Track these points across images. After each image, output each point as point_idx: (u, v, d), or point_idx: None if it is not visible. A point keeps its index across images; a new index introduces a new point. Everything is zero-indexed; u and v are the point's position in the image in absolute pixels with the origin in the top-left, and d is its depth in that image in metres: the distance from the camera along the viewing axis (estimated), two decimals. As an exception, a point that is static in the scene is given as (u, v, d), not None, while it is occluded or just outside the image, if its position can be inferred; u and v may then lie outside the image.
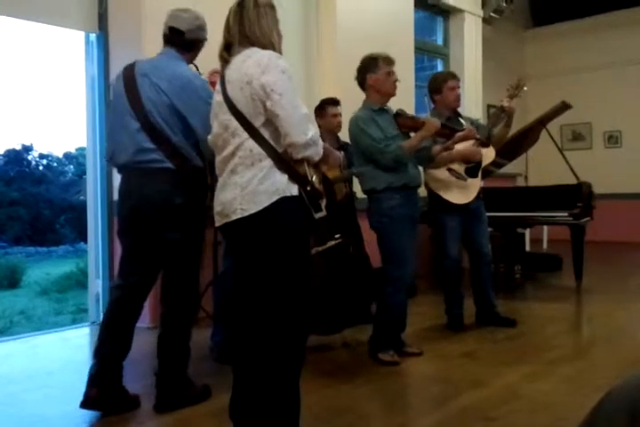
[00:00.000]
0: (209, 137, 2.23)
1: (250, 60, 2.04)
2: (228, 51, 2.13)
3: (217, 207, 2.13)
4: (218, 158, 2.15)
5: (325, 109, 4.04)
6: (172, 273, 2.69)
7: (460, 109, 4.17)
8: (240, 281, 2.13)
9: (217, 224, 2.14)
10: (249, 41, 2.10)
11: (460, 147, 3.77)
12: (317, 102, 4.22)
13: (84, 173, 5.51)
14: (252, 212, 2.00)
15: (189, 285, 2.73)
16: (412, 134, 3.39)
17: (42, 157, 23.88)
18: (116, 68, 4.19)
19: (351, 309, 3.60)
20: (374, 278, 3.66)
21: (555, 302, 5.06)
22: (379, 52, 3.41)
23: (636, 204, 9.04)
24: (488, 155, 4.00)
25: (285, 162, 2.03)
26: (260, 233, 2.02)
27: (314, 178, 2.08)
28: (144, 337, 3.06)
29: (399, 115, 3.39)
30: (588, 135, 9.77)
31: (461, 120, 4.06)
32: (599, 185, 5.98)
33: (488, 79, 7.51)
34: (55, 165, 24.27)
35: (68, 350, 3.80)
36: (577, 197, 5.33)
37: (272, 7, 2.18)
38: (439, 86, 3.98)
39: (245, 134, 2.03)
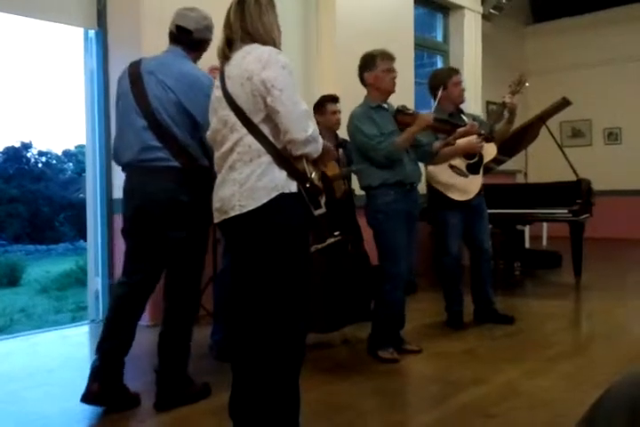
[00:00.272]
0: (207, 133, 2.22)
1: (250, 56, 2.03)
2: (229, 47, 2.12)
3: (215, 204, 2.12)
4: (216, 154, 2.14)
5: (325, 106, 4.03)
6: (175, 271, 2.69)
7: (460, 106, 4.16)
8: (239, 278, 2.12)
9: (215, 221, 2.14)
10: (251, 38, 2.09)
11: (461, 141, 3.76)
12: (316, 99, 4.21)
13: (84, 171, 5.50)
14: (251, 208, 1.99)
15: (193, 283, 2.74)
16: None
17: (41, 154, 23.88)
18: (115, 65, 4.21)
19: (350, 306, 3.60)
20: (373, 276, 3.66)
21: (554, 298, 5.07)
22: (378, 49, 3.40)
23: (635, 200, 9.05)
24: (489, 151, 3.99)
25: (284, 158, 2.02)
26: (259, 230, 2.02)
27: (313, 175, 2.08)
28: (144, 335, 3.06)
29: (399, 111, 3.38)
30: (588, 132, 9.77)
31: (463, 116, 4.06)
32: (599, 182, 5.98)
33: (488, 76, 7.50)
34: (54, 162, 24.27)
35: (68, 348, 3.80)
36: (576, 194, 5.33)
37: (272, 3, 2.18)
38: (443, 82, 3.96)
39: (244, 130, 2.02)
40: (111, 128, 4.23)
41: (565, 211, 5.30)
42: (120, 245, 4.20)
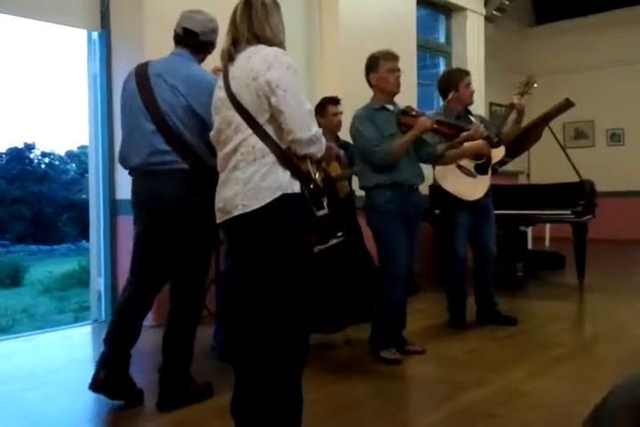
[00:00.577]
0: (211, 133, 2.22)
1: (256, 57, 2.03)
2: (235, 47, 2.12)
3: (218, 204, 2.12)
4: (219, 155, 2.14)
5: (326, 108, 4.04)
6: (183, 271, 2.70)
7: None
8: (241, 278, 2.12)
9: (218, 221, 2.14)
10: (258, 40, 2.09)
11: (469, 143, 3.76)
12: (318, 101, 4.21)
13: (86, 172, 5.51)
14: (254, 208, 1.99)
15: (198, 283, 2.74)
16: None
17: (44, 155, 23.95)
18: (119, 67, 4.22)
19: (353, 307, 3.60)
20: (375, 276, 3.66)
21: (557, 299, 5.06)
22: (382, 50, 3.40)
23: (638, 201, 9.04)
24: (497, 152, 3.99)
25: (289, 159, 2.03)
26: (262, 229, 2.02)
27: (316, 175, 2.08)
28: (147, 335, 3.06)
29: (403, 112, 3.36)
30: (591, 133, 9.76)
31: (472, 117, 4.06)
32: (601, 183, 5.97)
33: (490, 77, 7.50)
34: (57, 163, 24.34)
35: (71, 349, 3.81)
36: (579, 195, 5.33)
37: (277, 5, 2.18)
38: (455, 83, 3.96)
39: (249, 130, 2.03)
40: (114, 129, 4.24)
41: (568, 212, 5.29)
42: (123, 246, 4.22)
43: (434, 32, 7.47)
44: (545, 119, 5.51)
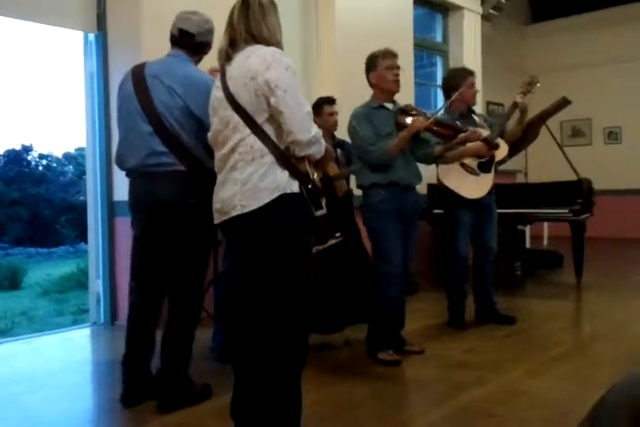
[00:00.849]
0: (208, 134, 2.22)
1: (253, 57, 2.04)
2: (232, 48, 2.12)
3: (216, 204, 2.12)
4: (217, 155, 2.14)
5: (322, 108, 4.04)
6: (180, 273, 2.69)
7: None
8: (240, 279, 2.12)
9: (216, 221, 2.14)
10: (255, 40, 2.10)
11: (471, 144, 3.76)
12: (315, 101, 4.21)
13: (84, 174, 5.50)
14: (253, 208, 1.99)
15: (196, 285, 2.74)
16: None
17: (41, 157, 23.93)
18: (115, 68, 4.21)
19: (352, 307, 3.60)
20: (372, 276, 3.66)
21: (555, 298, 5.07)
22: (380, 49, 3.39)
23: (636, 200, 9.05)
24: (500, 151, 3.98)
25: (287, 159, 2.03)
26: (260, 230, 2.02)
27: (315, 175, 2.08)
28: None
29: (402, 112, 3.34)
30: (588, 131, 9.77)
31: (475, 117, 4.06)
32: (599, 181, 5.98)
33: (487, 76, 7.50)
34: (55, 165, 24.32)
35: (70, 351, 3.80)
36: (577, 194, 5.33)
37: (274, 5, 2.18)
38: (458, 83, 3.96)
39: (247, 130, 2.02)
40: (112, 131, 4.24)
41: (566, 210, 5.30)
42: (121, 248, 4.21)
43: (431, 31, 7.47)
44: (542, 118, 5.52)
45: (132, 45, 4.17)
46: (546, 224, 8.28)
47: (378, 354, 3.29)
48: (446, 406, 2.64)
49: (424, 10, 7.22)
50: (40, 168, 23.70)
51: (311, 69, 5.52)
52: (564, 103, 5.39)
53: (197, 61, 2.81)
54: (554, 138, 5.77)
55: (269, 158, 2.01)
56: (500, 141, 3.95)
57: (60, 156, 24.60)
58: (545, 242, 8.40)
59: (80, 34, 4.40)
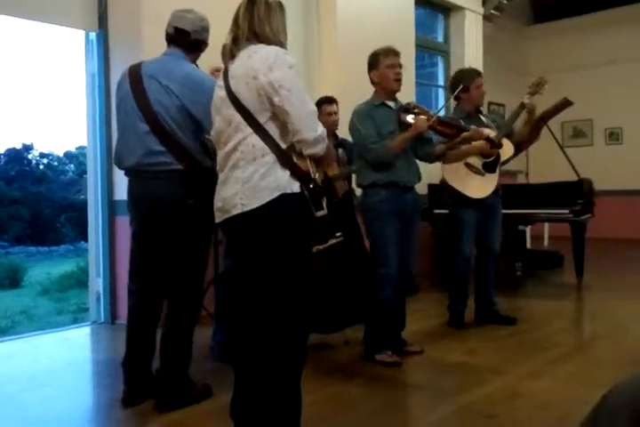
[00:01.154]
0: (211, 132, 2.22)
1: (256, 56, 2.03)
2: (235, 45, 2.12)
3: (217, 203, 2.12)
4: (219, 154, 2.14)
5: (321, 108, 4.04)
6: (179, 272, 2.69)
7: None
8: (240, 278, 2.12)
9: (217, 220, 2.14)
10: (258, 39, 2.09)
11: (475, 143, 3.76)
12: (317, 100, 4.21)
13: (85, 172, 5.51)
14: (253, 207, 1.99)
15: (195, 284, 2.74)
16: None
17: (42, 155, 23.93)
18: (116, 67, 4.21)
19: (352, 307, 3.59)
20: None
21: (556, 299, 5.06)
22: (382, 47, 3.38)
23: (636, 200, 9.04)
24: (506, 151, 3.98)
25: (288, 158, 2.03)
26: (260, 229, 2.02)
27: (316, 175, 2.08)
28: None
29: (404, 110, 3.31)
30: (589, 132, 9.77)
31: (482, 117, 4.05)
32: (600, 182, 5.98)
33: (489, 76, 7.46)
34: (56, 164, 24.32)
35: (70, 350, 3.80)
36: (578, 194, 5.33)
37: (282, 7, 2.18)
38: (466, 84, 3.96)
39: (249, 129, 2.02)
40: (112, 130, 4.24)
41: (567, 211, 5.29)
42: (121, 247, 4.21)
43: (432, 31, 7.47)
44: (543, 118, 5.50)
45: (133, 44, 4.17)
46: (546, 225, 8.28)
47: (375, 356, 3.27)
48: (446, 407, 2.64)
49: (425, 10, 7.22)
50: (41, 167, 23.70)
51: (313, 69, 5.52)
52: (565, 104, 5.38)
53: (194, 59, 2.81)
54: (555, 139, 5.76)
55: (271, 158, 2.01)
56: (506, 141, 3.94)
57: (60, 154, 24.62)
58: (545, 242, 8.40)
59: (81, 33, 4.40)
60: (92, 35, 4.38)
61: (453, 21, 7.39)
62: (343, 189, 3.75)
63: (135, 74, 2.68)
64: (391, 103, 3.40)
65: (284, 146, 2.03)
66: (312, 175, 2.05)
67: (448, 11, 7.35)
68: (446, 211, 4.48)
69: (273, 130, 2.03)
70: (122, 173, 2.84)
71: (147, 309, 2.74)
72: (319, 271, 3.33)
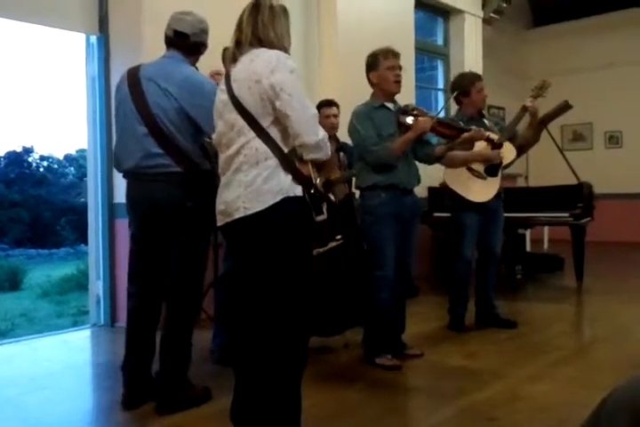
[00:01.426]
0: (213, 136, 2.22)
1: (258, 60, 2.04)
2: (238, 49, 2.13)
3: (219, 206, 2.12)
4: (222, 157, 2.14)
5: (320, 111, 4.04)
6: (177, 274, 2.69)
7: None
8: (241, 281, 2.12)
9: (219, 223, 2.14)
10: (261, 43, 2.09)
11: (479, 148, 3.76)
12: (317, 103, 4.22)
13: (85, 175, 5.51)
14: (256, 210, 2.00)
15: (194, 287, 2.73)
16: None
17: (42, 158, 23.95)
18: (117, 70, 4.21)
19: (352, 310, 3.59)
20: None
21: (556, 302, 5.06)
22: (381, 48, 3.36)
23: (636, 204, 9.04)
24: (508, 154, 3.97)
25: (290, 162, 2.03)
26: (263, 232, 2.02)
27: (317, 180, 2.08)
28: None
29: (403, 112, 3.30)
30: (589, 135, 9.77)
31: (485, 120, 4.05)
32: (600, 185, 5.97)
33: (488, 80, 7.47)
34: (56, 166, 24.33)
35: (70, 353, 3.80)
36: (578, 198, 5.33)
37: (286, 12, 2.18)
38: (466, 88, 3.97)
39: (252, 133, 2.03)
40: (112, 133, 4.23)
41: (567, 214, 5.29)
42: (121, 249, 4.21)
43: (432, 35, 7.48)
44: (543, 122, 5.50)
45: (133, 47, 4.18)
46: (546, 228, 8.28)
47: (376, 359, 3.26)
48: (447, 410, 2.63)
49: (425, 13, 7.23)
50: (41, 170, 23.72)
51: (313, 73, 5.52)
52: (565, 107, 5.38)
53: (194, 62, 2.81)
54: (555, 142, 5.77)
55: (273, 162, 2.02)
56: (508, 145, 3.94)
57: (60, 157, 24.64)
58: (545, 246, 8.39)
59: (82, 36, 4.41)
60: (93, 38, 4.39)
61: (453, 25, 7.40)
62: (343, 193, 3.77)
63: (134, 76, 2.68)
64: (390, 105, 3.39)
65: (286, 150, 2.03)
66: (313, 180, 2.06)
67: (448, 14, 7.36)
68: (446, 214, 4.48)
69: (275, 134, 2.03)
70: (122, 175, 2.84)
71: (146, 311, 2.74)
72: (319, 274, 3.33)
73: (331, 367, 3.27)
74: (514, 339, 3.81)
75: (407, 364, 3.30)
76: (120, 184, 4.20)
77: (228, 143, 2.09)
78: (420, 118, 3.26)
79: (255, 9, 2.11)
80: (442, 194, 4.34)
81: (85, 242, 5.28)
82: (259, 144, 2.02)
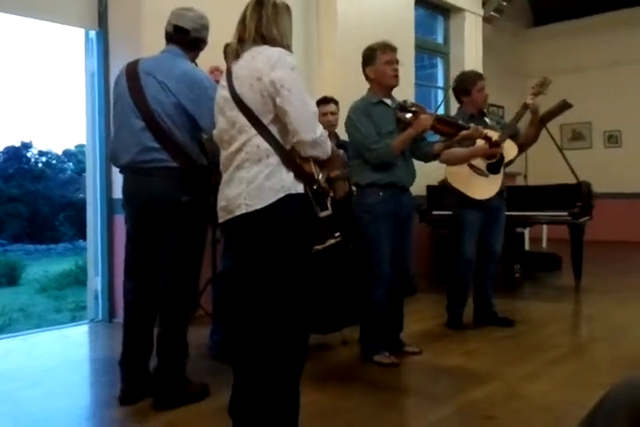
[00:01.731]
0: (214, 132, 2.21)
1: (260, 57, 2.03)
2: (240, 46, 2.12)
3: (221, 202, 2.12)
4: (223, 154, 2.14)
5: (317, 108, 4.03)
6: (173, 271, 2.68)
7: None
8: (241, 278, 2.12)
9: (220, 220, 2.13)
10: (264, 41, 2.09)
11: (472, 149, 3.76)
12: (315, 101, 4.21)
13: (84, 171, 5.50)
14: (258, 207, 1.99)
15: (189, 283, 2.73)
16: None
17: (41, 154, 23.90)
18: (116, 65, 4.20)
19: (350, 307, 3.59)
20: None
21: (554, 301, 5.07)
22: (378, 42, 3.32)
23: (635, 203, 9.05)
24: (510, 152, 3.97)
25: (292, 159, 2.03)
26: (264, 229, 2.02)
27: (319, 176, 2.08)
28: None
29: (401, 108, 3.25)
30: (588, 135, 9.78)
31: (486, 119, 4.05)
32: (599, 184, 5.98)
33: (488, 78, 7.43)
34: (54, 162, 24.29)
35: (68, 348, 3.80)
36: (576, 197, 5.33)
37: (289, 9, 2.18)
38: (468, 87, 3.96)
39: (253, 131, 2.02)
40: (111, 128, 4.23)
41: (565, 213, 5.29)
42: (120, 245, 4.20)
43: (432, 33, 7.47)
44: (542, 120, 5.50)
45: (132, 43, 4.17)
46: (545, 227, 8.28)
47: (374, 357, 3.26)
48: (444, 408, 2.64)
49: (425, 11, 7.22)
50: (39, 165, 23.68)
51: (312, 70, 5.51)
52: (564, 106, 5.37)
53: (193, 58, 2.81)
54: (554, 141, 5.76)
55: (275, 159, 2.01)
56: (510, 142, 3.93)
57: (59, 153, 24.59)
58: (544, 244, 8.40)
59: (81, 31, 4.40)
60: (92, 33, 4.38)
61: (453, 23, 7.39)
62: (344, 190, 3.76)
63: (133, 71, 2.68)
64: (388, 101, 3.36)
65: (287, 147, 2.03)
66: (315, 176, 2.05)
67: (448, 12, 7.36)
68: (446, 212, 4.48)
69: (276, 131, 2.03)
70: (118, 171, 2.84)
71: (143, 307, 2.74)
72: (317, 271, 3.33)
73: (328, 365, 3.27)
74: (512, 337, 3.81)
75: (405, 361, 3.30)
76: (119, 180, 4.16)
77: (230, 140, 2.08)
78: (421, 116, 3.22)
79: (259, 5, 2.11)
80: (441, 192, 4.33)
81: (84, 237, 5.28)
82: (260, 141, 2.01)
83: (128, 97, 2.63)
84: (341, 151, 3.57)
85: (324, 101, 4.09)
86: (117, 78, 2.76)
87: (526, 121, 4.06)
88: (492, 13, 7.91)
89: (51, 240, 19.44)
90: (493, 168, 3.94)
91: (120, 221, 4.22)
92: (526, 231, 7.00)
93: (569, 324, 4.55)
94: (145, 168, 2.61)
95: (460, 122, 3.58)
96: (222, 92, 2.13)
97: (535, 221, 5.84)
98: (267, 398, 2.02)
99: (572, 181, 5.48)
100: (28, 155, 23.46)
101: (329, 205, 2.09)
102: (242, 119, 2.03)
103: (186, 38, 2.73)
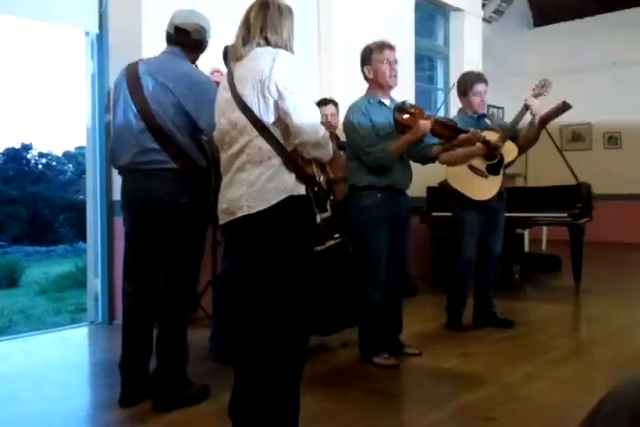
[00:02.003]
0: (215, 133, 2.21)
1: (262, 58, 2.03)
2: (244, 47, 2.12)
3: (222, 205, 2.11)
4: (224, 156, 2.14)
5: None
6: (172, 272, 2.68)
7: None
8: (242, 280, 2.12)
9: (221, 222, 2.13)
10: (267, 42, 2.09)
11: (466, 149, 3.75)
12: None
13: (84, 172, 5.51)
14: (259, 209, 1.99)
15: (188, 285, 2.73)
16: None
17: (41, 155, 23.95)
18: (116, 67, 4.19)
19: (350, 309, 3.59)
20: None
21: (553, 302, 5.06)
22: (375, 41, 3.30)
23: (635, 205, 9.05)
24: (510, 153, 3.96)
25: (294, 161, 2.03)
26: (266, 231, 2.02)
27: (321, 178, 2.08)
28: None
29: (399, 109, 3.21)
30: (588, 136, 9.78)
31: (487, 121, 4.04)
32: (598, 186, 5.98)
33: (488, 79, 7.49)
34: (54, 163, 24.33)
35: (67, 350, 3.80)
36: (576, 198, 5.33)
37: (291, 12, 2.19)
38: (465, 89, 3.95)
39: (255, 132, 2.02)
40: (111, 130, 4.24)
41: (565, 215, 5.29)
42: (120, 247, 4.20)
43: (432, 34, 7.47)
44: (542, 122, 5.51)
45: (133, 44, 4.17)
46: (545, 228, 8.28)
47: (373, 359, 3.25)
48: (442, 409, 2.63)
49: (425, 13, 7.22)
50: (39, 167, 23.72)
51: (312, 72, 5.51)
52: (564, 107, 5.38)
53: (194, 59, 2.81)
54: (554, 142, 5.76)
55: (277, 160, 2.01)
56: (510, 144, 3.92)
57: (59, 154, 24.64)
58: (544, 246, 8.40)
59: (81, 32, 4.40)
60: (93, 35, 4.38)
61: (453, 24, 7.39)
62: (343, 192, 3.76)
63: (133, 72, 2.68)
64: (387, 101, 3.35)
65: (289, 148, 2.03)
66: (317, 178, 2.06)
67: (448, 13, 7.36)
68: (445, 213, 4.48)
69: (278, 132, 2.03)
70: (117, 172, 2.83)
71: (142, 309, 2.74)
72: (317, 272, 3.33)
73: (328, 366, 3.27)
74: (511, 339, 3.81)
75: (405, 363, 3.30)
76: (119, 182, 4.16)
77: (231, 142, 2.08)
78: (420, 121, 3.16)
79: (264, 7, 2.11)
80: (441, 193, 4.33)
81: (84, 239, 5.28)
82: (262, 143, 2.01)
83: (128, 98, 2.63)
84: (342, 153, 3.59)
85: (322, 103, 4.10)
86: (117, 79, 2.77)
87: (525, 122, 4.05)
88: (492, 14, 7.93)
89: (50, 242, 19.45)
90: (493, 169, 3.94)
91: (120, 223, 4.19)
92: (526, 232, 6.99)
93: (569, 325, 4.55)
94: (144, 169, 2.61)
95: (458, 126, 3.55)
96: (223, 94, 2.13)
97: (535, 222, 5.84)
98: (267, 399, 2.02)
99: (572, 182, 5.48)
100: (28, 156, 23.51)
101: (328, 206, 2.09)
102: (243, 120, 2.03)
103: (187, 40, 2.73)
